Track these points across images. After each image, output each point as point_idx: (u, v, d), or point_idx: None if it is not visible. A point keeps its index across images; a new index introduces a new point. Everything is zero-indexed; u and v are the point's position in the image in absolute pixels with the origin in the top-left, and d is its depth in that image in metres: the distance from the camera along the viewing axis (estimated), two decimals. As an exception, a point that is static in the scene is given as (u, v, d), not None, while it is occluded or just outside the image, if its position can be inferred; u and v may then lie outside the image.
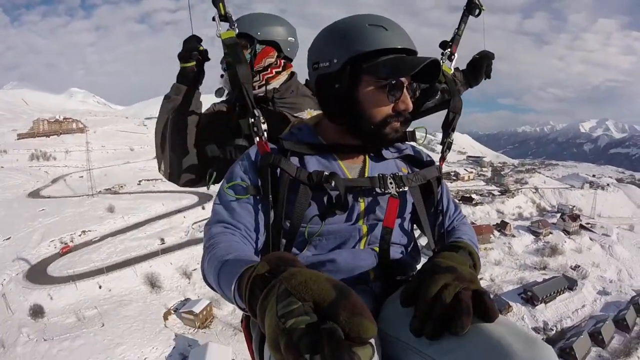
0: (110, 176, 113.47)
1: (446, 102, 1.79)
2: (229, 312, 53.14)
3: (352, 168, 1.37)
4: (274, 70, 2.01)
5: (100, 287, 53.38)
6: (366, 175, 1.36)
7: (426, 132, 1.66)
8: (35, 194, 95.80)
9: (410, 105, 1.30)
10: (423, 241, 1.64)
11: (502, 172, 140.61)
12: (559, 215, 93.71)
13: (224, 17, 1.59)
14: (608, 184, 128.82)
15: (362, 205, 1.32)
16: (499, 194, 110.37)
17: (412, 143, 1.56)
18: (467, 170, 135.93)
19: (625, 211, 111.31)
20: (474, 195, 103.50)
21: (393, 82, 1.25)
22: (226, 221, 1.24)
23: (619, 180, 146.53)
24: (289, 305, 0.68)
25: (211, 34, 1.64)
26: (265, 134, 1.34)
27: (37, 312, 47.28)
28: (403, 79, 1.27)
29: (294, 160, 1.33)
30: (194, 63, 1.82)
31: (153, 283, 55.36)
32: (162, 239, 67.68)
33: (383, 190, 1.31)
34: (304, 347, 0.63)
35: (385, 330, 1.11)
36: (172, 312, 52.19)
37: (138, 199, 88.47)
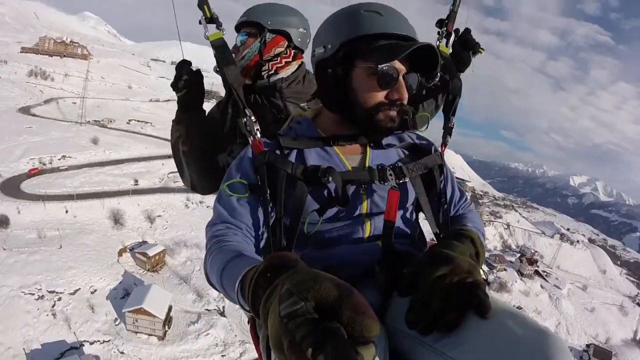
0: (103, 109, 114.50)
1: (445, 84, 1.78)
2: (180, 263, 56.49)
3: (353, 159, 1.37)
4: (283, 60, 1.99)
5: (67, 211, 55.96)
6: (367, 165, 1.35)
7: (429, 119, 1.65)
8: (25, 110, 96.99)
9: (405, 95, 1.29)
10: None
11: (479, 201, 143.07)
12: (518, 255, 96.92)
13: (210, 19, 1.59)
14: (578, 241, 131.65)
15: (364, 198, 1.31)
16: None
17: (415, 131, 1.55)
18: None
19: (585, 271, 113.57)
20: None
21: (385, 67, 1.23)
22: (227, 220, 1.23)
23: (591, 241, 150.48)
24: (291, 306, 0.67)
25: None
26: (258, 133, 1.35)
27: (2, 222, 49.94)
28: (398, 67, 1.25)
29: (292, 155, 1.33)
30: (184, 92, 1.80)
31: (117, 219, 58.01)
32: (136, 180, 70.13)
33: (383, 182, 1.30)
34: (307, 347, 0.62)
35: (393, 324, 1.10)
36: (128, 250, 55.03)
37: (123, 137, 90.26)
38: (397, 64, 1.26)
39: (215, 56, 1.56)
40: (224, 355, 47.52)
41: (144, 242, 57.65)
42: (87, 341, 41.01)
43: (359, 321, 0.65)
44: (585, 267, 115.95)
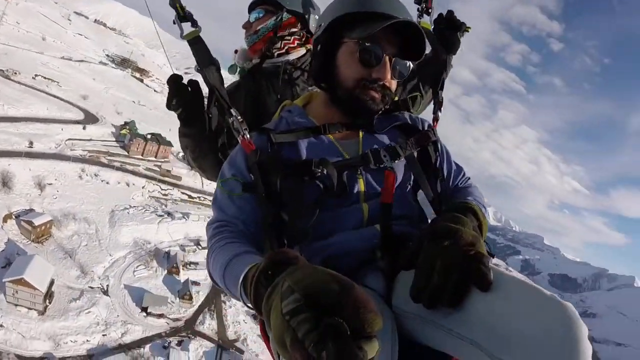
0: (10, 57, 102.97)
1: (430, 60, 1.82)
2: (67, 237, 54.46)
3: (347, 144, 1.37)
4: (296, 41, 2.01)
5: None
6: (360, 150, 1.35)
7: (420, 98, 1.62)
8: None
9: (387, 77, 1.31)
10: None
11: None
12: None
13: (184, 17, 1.55)
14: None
15: (360, 183, 1.30)
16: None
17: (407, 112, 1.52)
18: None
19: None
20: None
21: (367, 44, 1.26)
22: (227, 219, 1.25)
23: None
24: (293, 303, 0.67)
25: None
26: (246, 132, 1.35)
27: None
28: (384, 48, 1.29)
29: (286, 149, 1.32)
30: (179, 110, 1.74)
31: (5, 182, 54.33)
32: (31, 142, 65.71)
33: (378, 165, 1.29)
34: (309, 344, 0.62)
35: (399, 306, 1.09)
36: (13, 217, 51.90)
37: (25, 93, 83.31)
38: (384, 45, 1.29)
39: (194, 55, 1.55)
40: (105, 335, 46.84)
41: (31, 210, 54.77)
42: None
43: (360, 316, 0.65)
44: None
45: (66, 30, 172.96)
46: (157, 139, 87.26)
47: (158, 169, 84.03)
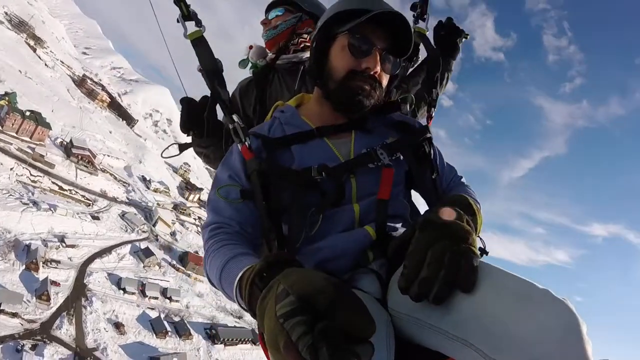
0: None
1: (425, 61, 1.90)
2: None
3: (340, 145, 1.38)
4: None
5: None
6: (352, 149, 1.37)
7: (413, 100, 1.63)
8: None
9: (375, 68, 1.34)
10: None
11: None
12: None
13: (188, 17, 1.56)
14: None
15: (353, 184, 1.31)
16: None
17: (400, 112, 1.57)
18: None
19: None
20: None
21: (357, 36, 1.31)
22: (222, 221, 1.25)
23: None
24: (287, 306, 0.67)
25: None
26: (247, 139, 1.36)
27: None
28: (374, 41, 1.33)
29: (283, 155, 1.34)
30: (192, 132, 1.77)
31: None
32: None
33: (376, 163, 1.30)
34: (302, 347, 0.62)
35: (395, 308, 1.07)
36: None
37: None
38: (373, 39, 1.34)
39: (197, 56, 1.56)
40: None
41: None
42: None
43: (354, 321, 0.65)
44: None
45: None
46: (37, 118, 79.43)
47: (31, 152, 76.24)
